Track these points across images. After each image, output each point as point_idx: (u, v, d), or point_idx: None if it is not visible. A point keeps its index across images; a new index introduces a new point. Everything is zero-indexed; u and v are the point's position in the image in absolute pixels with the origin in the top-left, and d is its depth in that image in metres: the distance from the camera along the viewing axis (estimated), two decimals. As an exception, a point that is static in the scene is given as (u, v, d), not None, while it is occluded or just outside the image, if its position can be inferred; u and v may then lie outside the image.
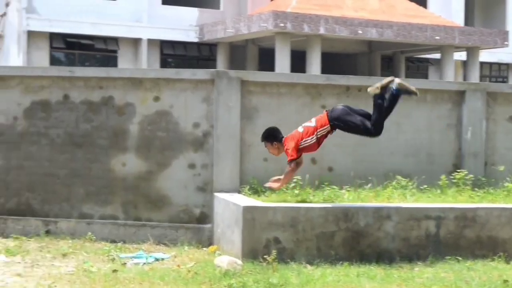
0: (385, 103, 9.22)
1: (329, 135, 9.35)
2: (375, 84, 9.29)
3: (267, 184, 9.54)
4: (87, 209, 10.73)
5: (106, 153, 10.81)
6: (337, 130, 9.32)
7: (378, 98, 9.21)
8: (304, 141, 9.23)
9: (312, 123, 9.32)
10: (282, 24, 29.02)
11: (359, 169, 11.06)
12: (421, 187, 10.79)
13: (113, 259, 9.29)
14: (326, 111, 9.41)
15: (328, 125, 9.22)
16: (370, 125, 9.16)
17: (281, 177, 9.37)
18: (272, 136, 9.50)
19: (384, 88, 9.25)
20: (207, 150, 10.76)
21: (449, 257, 9.23)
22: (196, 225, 10.72)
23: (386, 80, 9.33)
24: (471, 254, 9.39)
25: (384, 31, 30.96)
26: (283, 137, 9.40)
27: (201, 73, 11.00)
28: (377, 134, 9.29)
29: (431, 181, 10.98)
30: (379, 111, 9.20)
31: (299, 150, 9.27)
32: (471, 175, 10.99)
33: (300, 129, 9.34)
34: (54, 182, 10.88)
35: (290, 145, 9.24)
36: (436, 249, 9.37)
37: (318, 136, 9.22)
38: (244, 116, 10.83)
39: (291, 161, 9.20)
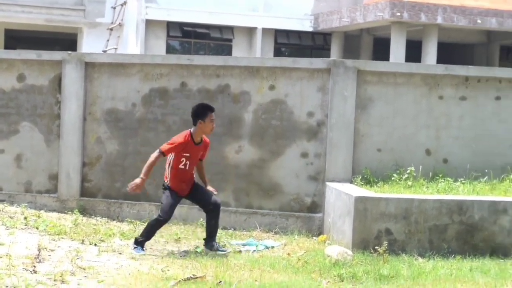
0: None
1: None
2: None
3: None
4: (200, 195, 10.89)
5: (220, 141, 10.95)
6: None
7: None
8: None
9: None
10: (398, 14, 28.58)
11: (475, 161, 10.81)
12: (541, 181, 10.47)
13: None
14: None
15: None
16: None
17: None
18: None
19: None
20: (321, 139, 10.75)
21: None
22: (306, 214, 10.74)
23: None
24: None
25: (505, 21, 30.02)
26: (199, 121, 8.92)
27: (318, 62, 10.99)
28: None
29: (552, 175, 10.65)
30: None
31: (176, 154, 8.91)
32: None
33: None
34: (169, 168, 11.10)
35: (177, 139, 8.90)
36: (555, 245, 9.09)
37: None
38: (359, 106, 10.76)
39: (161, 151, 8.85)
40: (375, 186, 10.14)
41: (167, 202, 8.94)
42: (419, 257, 8.72)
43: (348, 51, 33.63)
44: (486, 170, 10.58)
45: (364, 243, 8.89)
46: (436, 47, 29.78)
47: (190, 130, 8.98)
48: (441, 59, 28.25)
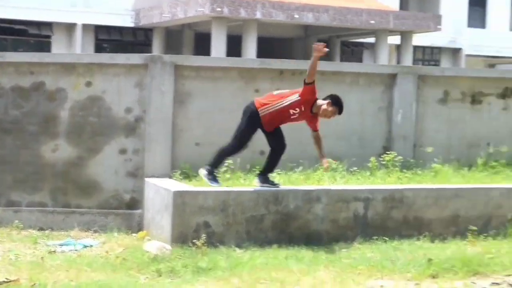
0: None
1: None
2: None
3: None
4: (14, 197, 10.59)
5: (36, 140, 10.68)
6: None
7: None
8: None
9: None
10: (218, 9, 28.94)
11: (291, 152, 11.03)
12: (351, 170, 10.92)
13: (40, 247, 9.19)
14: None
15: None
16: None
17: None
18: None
19: None
20: (139, 135, 10.72)
21: (376, 238, 9.37)
22: (126, 211, 10.67)
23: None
24: (398, 235, 9.52)
25: (320, 16, 31.11)
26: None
27: (135, 58, 10.96)
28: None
29: (362, 164, 11.13)
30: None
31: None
32: (400, 157, 11.16)
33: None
34: (-19, 169, 10.71)
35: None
36: (364, 230, 9.51)
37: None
38: (177, 101, 10.81)
39: None
40: (194, 180, 10.21)
41: (244, 130, 9.37)
42: (237, 248, 8.86)
43: (170, 47, 33.70)
44: (301, 160, 10.91)
45: (183, 237, 8.93)
46: (256, 41, 30.40)
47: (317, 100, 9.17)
48: (261, 54, 28.87)
